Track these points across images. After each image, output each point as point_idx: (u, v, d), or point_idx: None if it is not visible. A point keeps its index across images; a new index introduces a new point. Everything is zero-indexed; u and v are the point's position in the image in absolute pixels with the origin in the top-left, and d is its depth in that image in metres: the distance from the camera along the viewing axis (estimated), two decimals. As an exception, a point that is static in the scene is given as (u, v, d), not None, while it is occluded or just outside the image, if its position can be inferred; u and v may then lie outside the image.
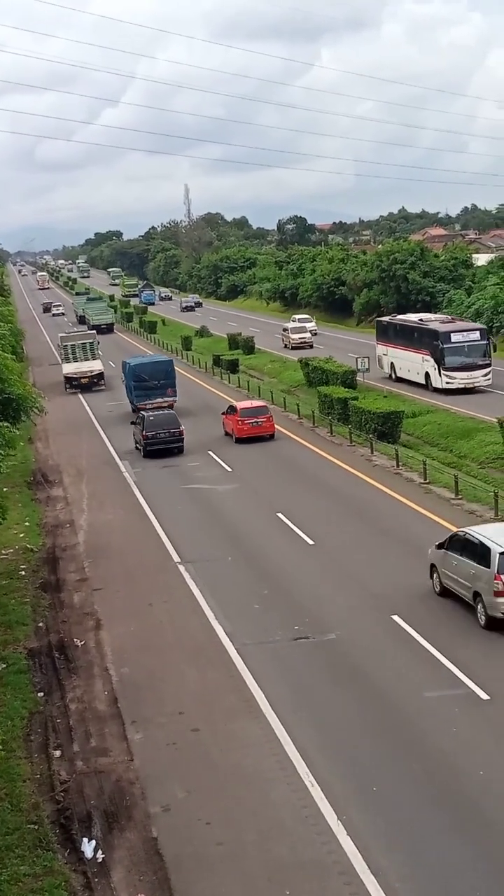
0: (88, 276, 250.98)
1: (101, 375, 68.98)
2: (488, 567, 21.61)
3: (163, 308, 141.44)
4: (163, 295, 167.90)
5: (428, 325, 56.82)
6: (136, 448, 47.12)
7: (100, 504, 37.19)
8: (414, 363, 56.56)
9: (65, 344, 70.23)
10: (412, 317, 62.17)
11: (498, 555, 21.45)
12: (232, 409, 47.81)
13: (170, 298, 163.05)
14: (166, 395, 54.55)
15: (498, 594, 21.32)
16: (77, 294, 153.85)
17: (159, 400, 53.32)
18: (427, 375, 54.97)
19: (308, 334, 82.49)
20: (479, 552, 22.16)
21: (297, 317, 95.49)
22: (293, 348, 79.20)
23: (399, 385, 56.83)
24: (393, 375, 59.66)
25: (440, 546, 24.30)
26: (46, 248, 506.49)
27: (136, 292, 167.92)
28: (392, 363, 60.10)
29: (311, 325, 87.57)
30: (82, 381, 68.05)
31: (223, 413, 49.19)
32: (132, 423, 49.66)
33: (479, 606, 22.21)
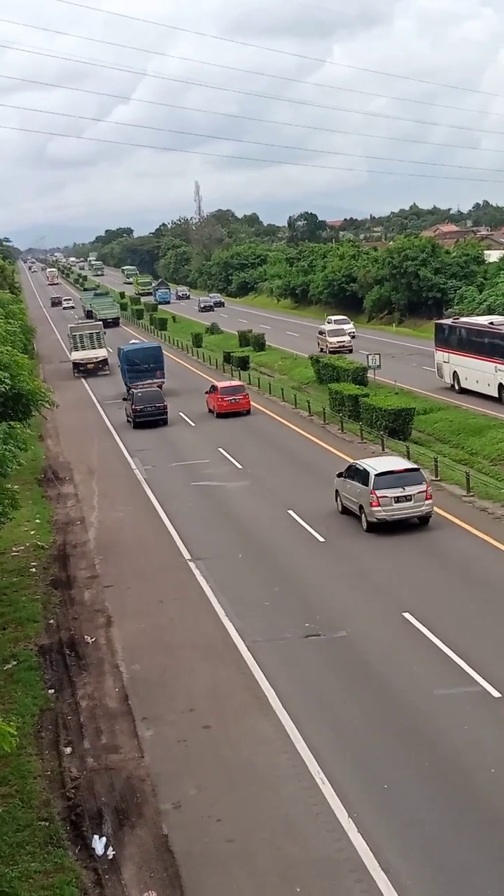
0: (102, 274, 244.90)
1: (105, 362, 75.87)
2: (368, 486, 29.22)
3: (178, 307, 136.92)
4: (180, 293, 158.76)
5: (501, 329, 49.65)
6: (127, 421, 52.97)
7: (110, 501, 37.21)
8: (484, 373, 49.55)
9: (74, 334, 77.20)
10: (480, 320, 55.30)
11: (374, 476, 29.13)
12: (213, 388, 53.04)
13: (187, 297, 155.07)
14: (155, 377, 60.75)
15: (373, 505, 29.00)
16: (85, 290, 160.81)
17: (149, 381, 59.11)
18: (501, 387, 48.15)
19: (347, 337, 75.72)
20: (363, 476, 29.79)
21: (333, 318, 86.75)
22: (331, 352, 70.50)
23: (464, 397, 50.53)
24: (456, 386, 52.61)
25: (340, 475, 31.77)
26: (57, 245, 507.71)
27: (150, 290, 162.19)
28: (455, 372, 52.90)
29: (349, 328, 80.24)
30: (88, 366, 75.46)
31: (206, 392, 53.45)
32: (123, 398, 56.44)
33: (362, 516, 29.79)
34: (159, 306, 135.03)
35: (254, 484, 37.84)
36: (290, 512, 32.72)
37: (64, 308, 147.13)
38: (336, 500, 32.13)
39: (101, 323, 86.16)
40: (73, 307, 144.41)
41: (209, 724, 19.05)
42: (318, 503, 33.59)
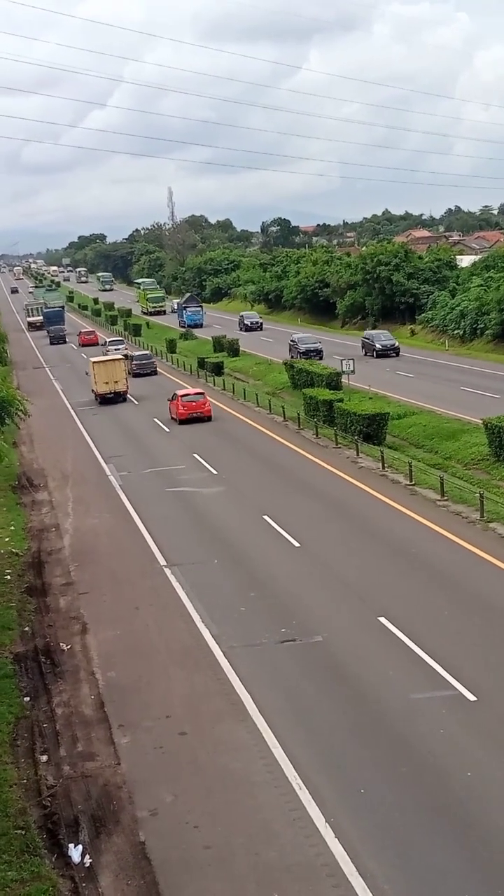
0: (111, 289, 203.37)
1: (44, 322, 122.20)
2: None
3: (246, 342, 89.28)
4: (250, 322, 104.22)
5: None
6: (49, 343, 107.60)
7: (85, 508, 37.09)
8: None
9: (27, 307, 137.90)
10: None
11: None
12: (80, 333, 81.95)
13: (259, 327, 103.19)
14: (60, 324, 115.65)
15: None
16: (38, 287, 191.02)
17: (59, 326, 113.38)
18: None
19: None
20: None
21: None
22: None
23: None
24: None
25: None
26: (30, 251, 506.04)
27: (164, 308, 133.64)
28: None
29: None
30: (36, 324, 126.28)
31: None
32: (46, 332, 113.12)
33: None
34: (131, 311, 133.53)
35: (229, 489, 37.85)
36: (266, 517, 32.74)
37: (30, 291, 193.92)
38: None
39: (43, 301, 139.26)
40: (31, 292, 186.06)
41: (185, 730, 19.02)
42: (293, 508, 33.65)
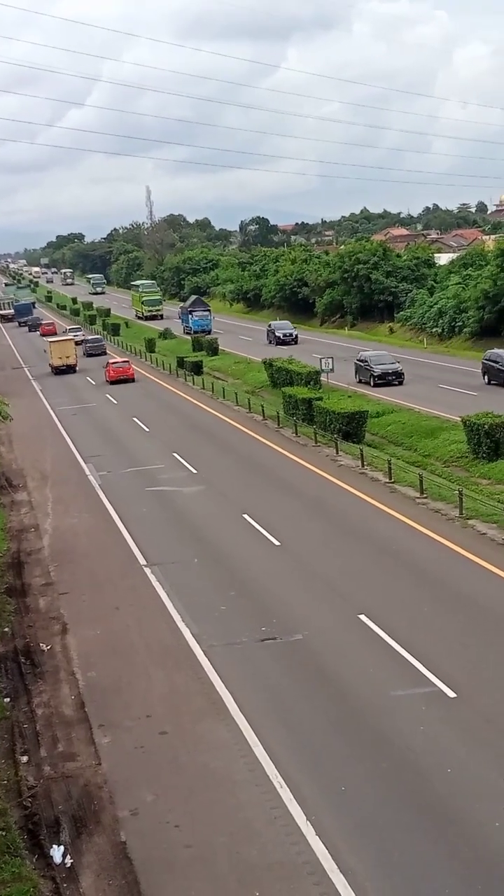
0: (103, 292, 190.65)
1: (13, 315, 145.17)
2: None
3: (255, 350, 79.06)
4: (283, 335, 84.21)
5: None
6: (28, 331, 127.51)
7: (65, 508, 37.01)
8: None
9: (0, 301, 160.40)
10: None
11: None
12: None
13: (294, 340, 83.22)
14: (30, 315, 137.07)
15: None
16: (8, 285, 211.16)
17: (32, 317, 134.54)
18: None
19: None
20: None
21: None
22: None
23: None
24: None
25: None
26: (7, 251, 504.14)
27: (161, 313, 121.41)
28: None
29: None
30: (7, 317, 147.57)
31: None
32: (19, 323, 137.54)
33: None
34: (110, 310, 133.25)
35: (208, 488, 37.82)
36: (245, 516, 32.74)
37: (6, 286, 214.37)
38: None
39: (13, 296, 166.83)
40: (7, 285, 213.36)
41: (166, 729, 19.01)
42: (273, 507, 33.66)
